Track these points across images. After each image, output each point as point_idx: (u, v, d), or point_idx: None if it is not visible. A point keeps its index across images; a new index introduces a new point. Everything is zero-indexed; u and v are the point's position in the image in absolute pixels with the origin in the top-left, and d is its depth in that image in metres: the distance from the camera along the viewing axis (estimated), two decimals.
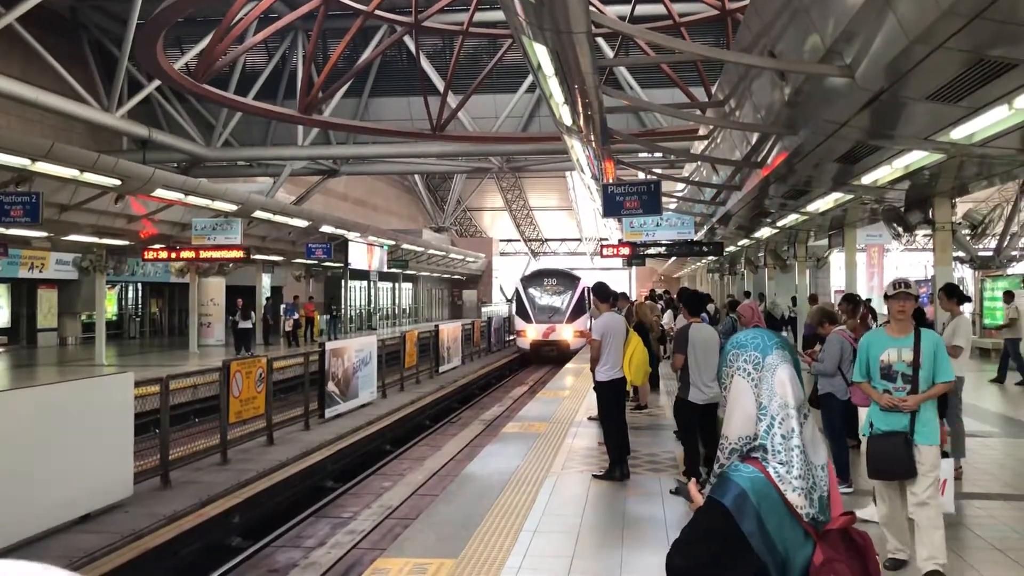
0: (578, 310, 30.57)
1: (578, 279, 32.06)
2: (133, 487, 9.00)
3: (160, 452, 9.92)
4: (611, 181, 14.87)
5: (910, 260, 42.68)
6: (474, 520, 6.78)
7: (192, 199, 18.67)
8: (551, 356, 29.46)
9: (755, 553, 1.84)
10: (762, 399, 1.96)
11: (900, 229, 13.64)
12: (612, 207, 14.25)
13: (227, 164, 28.95)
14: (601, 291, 9.12)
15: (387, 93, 26.70)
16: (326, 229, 28.05)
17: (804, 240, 22.21)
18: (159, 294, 37.82)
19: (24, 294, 26.94)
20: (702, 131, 16.50)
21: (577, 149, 13.31)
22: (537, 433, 10.95)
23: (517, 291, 32.05)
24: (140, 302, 37.06)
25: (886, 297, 5.47)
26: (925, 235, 17.90)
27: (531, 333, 30.37)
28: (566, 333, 30.22)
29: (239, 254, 22.16)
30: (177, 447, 10.90)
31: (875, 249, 33.99)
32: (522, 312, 31.09)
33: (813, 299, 17.82)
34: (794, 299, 23.30)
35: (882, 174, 10.21)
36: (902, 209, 13.28)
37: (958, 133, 7.45)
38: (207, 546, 8.81)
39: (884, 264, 35.77)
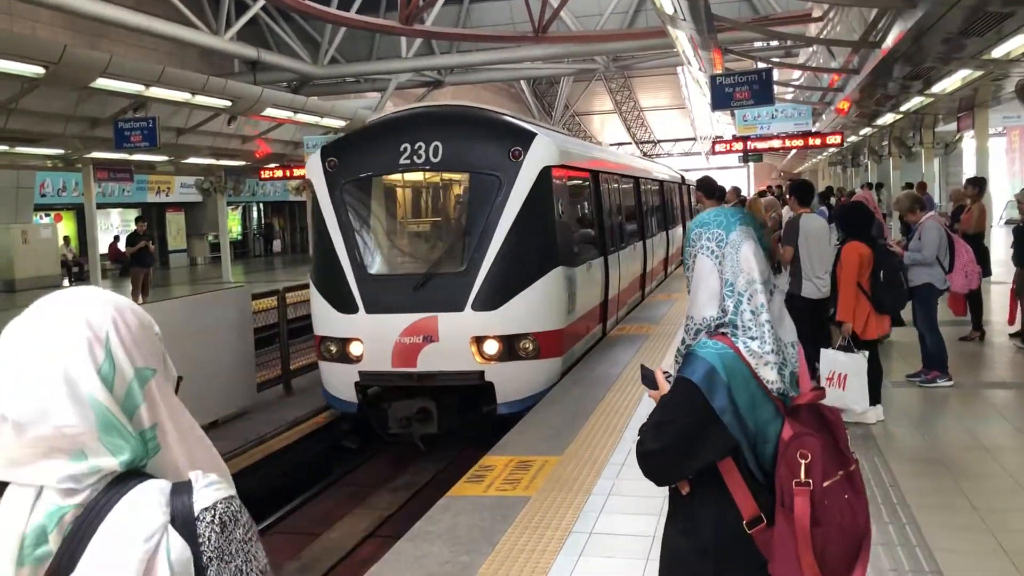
0: (536, 254, 8.01)
1: (528, 139, 8.01)
2: (257, 395, 9.47)
3: (281, 362, 10.36)
4: (719, 72, 14.26)
5: None
6: (579, 420, 6.83)
7: (301, 116, 19.01)
8: (430, 428, 7.96)
9: (727, 429, 1.80)
10: (727, 276, 1.91)
11: None
12: (721, 99, 13.72)
13: (336, 81, 29.13)
14: (706, 186, 8.86)
15: None
16: None
17: (931, 125, 20.83)
18: (280, 213, 39.10)
19: (153, 217, 28.26)
20: (816, 12, 15.53)
21: (682, 40, 12.76)
22: (646, 335, 10.88)
23: (315, 199, 8.26)
24: (263, 221, 38.44)
25: None
26: None
27: (358, 348, 7.75)
28: (485, 345, 7.61)
29: None
30: (299, 357, 11.38)
31: (1016, 132, 31.55)
32: (327, 280, 8.10)
33: (910, 186, 16.97)
34: (911, 185, 22.10)
35: (1015, 45, 9.38)
36: None
37: None
38: (327, 448, 9.22)
39: None
